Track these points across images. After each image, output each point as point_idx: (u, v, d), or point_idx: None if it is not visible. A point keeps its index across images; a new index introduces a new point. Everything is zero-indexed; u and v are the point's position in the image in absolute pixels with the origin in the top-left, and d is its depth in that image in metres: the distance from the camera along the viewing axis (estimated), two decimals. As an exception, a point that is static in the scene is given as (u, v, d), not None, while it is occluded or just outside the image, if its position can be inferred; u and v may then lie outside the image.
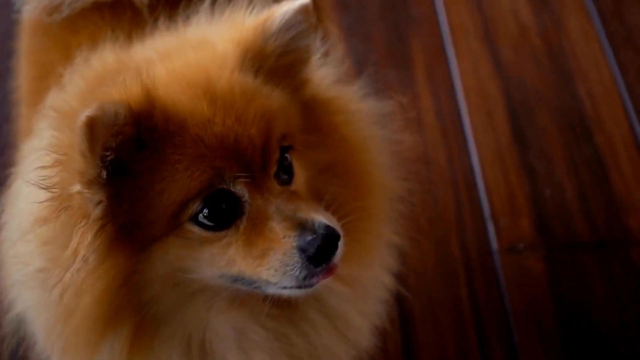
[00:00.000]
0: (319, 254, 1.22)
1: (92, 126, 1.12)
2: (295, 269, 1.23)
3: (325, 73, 1.44)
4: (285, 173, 1.30)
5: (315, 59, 1.41)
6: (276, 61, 1.31)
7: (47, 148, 1.24)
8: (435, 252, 2.33)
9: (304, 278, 1.24)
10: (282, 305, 1.36)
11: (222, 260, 1.24)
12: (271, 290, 1.27)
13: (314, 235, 1.22)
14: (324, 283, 1.27)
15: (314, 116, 1.36)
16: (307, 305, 1.38)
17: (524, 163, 2.51)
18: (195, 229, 1.23)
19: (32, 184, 1.23)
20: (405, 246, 1.54)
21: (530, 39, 2.81)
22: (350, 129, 1.41)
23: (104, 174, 1.17)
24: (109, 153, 1.16)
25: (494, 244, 2.34)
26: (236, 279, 1.27)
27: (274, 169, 1.27)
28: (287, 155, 1.30)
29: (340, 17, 2.78)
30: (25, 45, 1.82)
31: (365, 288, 1.44)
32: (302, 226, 1.23)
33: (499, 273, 2.28)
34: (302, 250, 1.22)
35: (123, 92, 1.19)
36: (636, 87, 2.68)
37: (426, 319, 2.21)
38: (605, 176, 2.48)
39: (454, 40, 2.82)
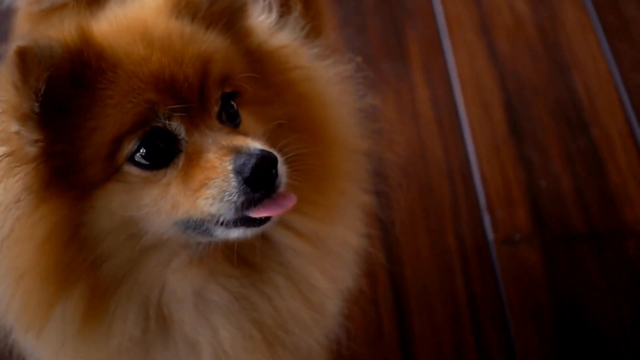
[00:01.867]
0: (255, 175, 1.20)
1: (23, 55, 1.12)
2: (233, 193, 1.21)
3: (273, 26, 1.44)
4: (231, 120, 1.30)
5: (259, 12, 1.43)
6: (209, 8, 1.32)
7: None
8: (431, 243, 2.33)
9: (243, 205, 1.22)
10: (244, 266, 1.35)
11: (165, 203, 1.23)
12: (219, 233, 1.25)
13: (248, 156, 1.21)
14: (274, 220, 1.27)
15: (267, 71, 1.37)
16: (270, 267, 1.37)
17: (520, 154, 2.51)
18: (134, 170, 1.22)
19: None
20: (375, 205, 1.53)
21: (526, 31, 2.82)
22: (306, 85, 1.41)
23: (37, 107, 1.17)
24: (41, 86, 1.15)
25: (490, 235, 2.34)
26: (186, 226, 1.25)
27: (214, 109, 1.28)
28: (232, 102, 1.30)
29: (335, 8, 2.78)
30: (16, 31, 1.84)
31: (330, 248, 1.41)
32: (237, 151, 1.22)
33: (495, 264, 2.29)
34: (237, 172, 1.21)
35: (59, 31, 1.20)
36: (632, 79, 2.68)
37: (422, 309, 2.22)
38: (600, 168, 2.49)
39: (450, 32, 2.82)
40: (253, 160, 1.20)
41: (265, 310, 1.37)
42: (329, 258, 1.42)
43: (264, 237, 1.35)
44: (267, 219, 1.25)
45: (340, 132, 1.43)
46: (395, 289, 2.25)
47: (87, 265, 1.26)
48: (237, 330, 1.36)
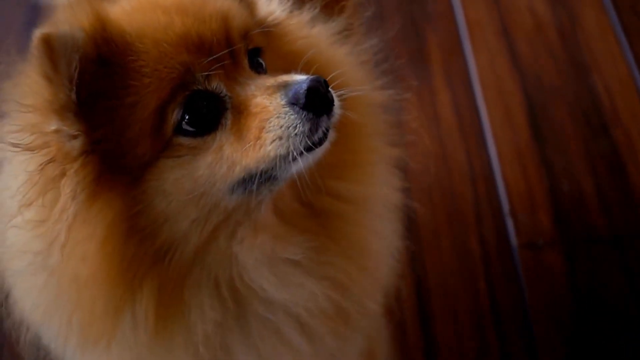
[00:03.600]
0: (312, 98, 1.17)
1: (49, 42, 1.07)
2: (296, 125, 1.17)
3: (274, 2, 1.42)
4: (262, 70, 1.28)
5: None
6: None
7: (13, 106, 1.18)
8: (453, 248, 2.34)
9: (311, 132, 1.18)
10: (300, 230, 1.31)
11: (221, 166, 1.19)
12: (287, 172, 1.20)
13: (298, 84, 1.18)
14: (331, 138, 1.22)
15: (276, 42, 1.35)
16: (322, 234, 1.33)
17: (542, 158, 2.51)
18: (183, 140, 1.18)
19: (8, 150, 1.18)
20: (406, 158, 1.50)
21: (547, 33, 2.81)
22: (313, 51, 1.37)
23: (74, 96, 1.12)
24: (74, 71, 1.10)
25: (513, 240, 2.35)
26: (246, 184, 1.20)
27: (245, 61, 1.25)
28: (259, 59, 1.28)
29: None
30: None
31: (371, 208, 1.39)
32: (285, 84, 1.20)
33: (518, 268, 2.29)
34: (292, 103, 1.17)
35: (72, 17, 1.15)
36: (653, 80, 2.69)
37: (445, 314, 2.22)
38: (622, 170, 2.49)
39: (470, 35, 2.82)
40: (304, 86, 1.17)
41: (340, 265, 1.34)
42: (372, 218, 1.40)
43: (307, 206, 1.32)
44: (324, 138, 1.20)
45: (359, 89, 1.38)
46: (419, 294, 2.26)
47: (149, 259, 1.21)
48: (318, 285, 1.32)
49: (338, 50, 1.44)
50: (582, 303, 2.23)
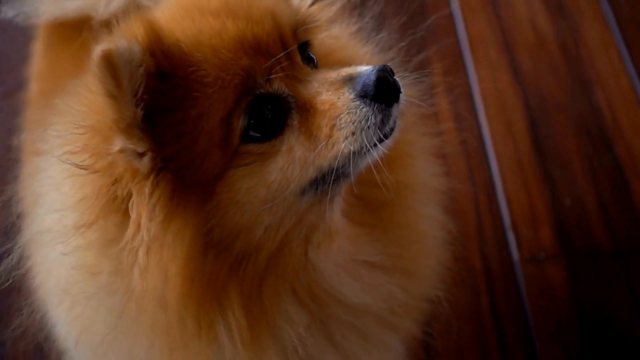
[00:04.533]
0: (381, 88, 1.14)
1: (110, 58, 1.03)
2: (368, 118, 1.15)
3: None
4: (313, 64, 1.25)
5: None
6: None
7: (69, 127, 1.16)
8: (455, 262, 2.33)
9: (382, 123, 1.15)
10: (365, 226, 1.30)
11: (293, 169, 1.16)
12: (359, 166, 1.18)
13: (365, 76, 1.15)
14: (400, 126, 1.19)
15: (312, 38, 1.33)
16: (377, 225, 1.31)
17: (544, 172, 2.51)
18: (251, 147, 1.15)
19: (67, 170, 1.14)
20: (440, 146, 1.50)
21: (549, 48, 2.81)
22: (343, 51, 1.38)
23: (140, 113, 1.08)
24: (138, 87, 1.07)
25: (515, 254, 2.34)
26: (317, 183, 1.18)
27: (299, 57, 1.22)
28: (309, 53, 1.26)
29: (356, 25, 2.78)
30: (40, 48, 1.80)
31: (416, 194, 1.38)
32: (351, 77, 1.17)
33: (520, 283, 2.28)
34: (362, 96, 1.15)
35: (125, 31, 1.12)
36: (655, 95, 2.68)
37: (447, 329, 2.21)
38: (624, 184, 2.48)
39: (472, 49, 2.82)
40: (373, 77, 1.14)
41: (407, 256, 1.34)
42: (418, 203, 1.39)
43: (361, 199, 1.31)
44: (394, 128, 1.18)
45: None
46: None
47: (226, 271, 1.18)
48: (394, 280, 1.31)
49: (360, 48, 1.44)
50: (585, 318, 2.22)
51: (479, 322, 2.22)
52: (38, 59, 1.82)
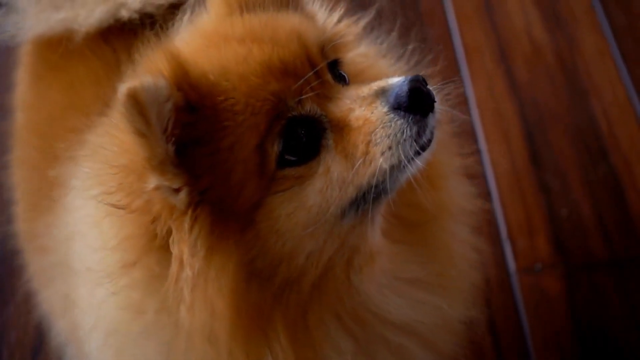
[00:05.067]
0: (415, 98, 1.11)
1: (136, 96, 1.01)
2: (404, 130, 1.12)
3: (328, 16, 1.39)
4: (344, 82, 1.23)
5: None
6: None
7: (101, 167, 1.15)
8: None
9: (419, 134, 1.12)
10: (402, 244, 1.27)
11: (333, 190, 1.13)
12: (398, 182, 1.15)
13: (397, 87, 1.12)
14: (436, 137, 1.16)
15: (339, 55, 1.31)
16: (414, 242, 1.29)
17: (540, 183, 2.51)
18: (287, 172, 1.13)
19: (105, 209, 1.13)
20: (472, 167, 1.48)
21: (545, 58, 2.81)
22: (373, 69, 1.36)
23: (171, 149, 1.06)
24: (167, 123, 1.05)
25: (511, 265, 2.34)
26: (358, 203, 1.15)
27: (329, 75, 1.20)
28: (340, 71, 1.24)
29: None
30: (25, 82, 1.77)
31: (449, 214, 1.37)
32: (383, 90, 1.14)
33: (516, 293, 2.28)
34: (396, 108, 1.12)
35: (150, 66, 1.10)
36: (651, 105, 2.68)
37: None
38: (621, 195, 2.48)
39: (468, 60, 2.82)
40: (405, 88, 1.12)
41: (446, 281, 1.32)
42: (452, 224, 1.38)
43: (398, 218, 1.28)
44: (431, 139, 1.15)
45: None
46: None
47: (270, 300, 1.15)
48: (438, 297, 1.30)
49: (389, 65, 1.43)
50: (582, 327, 2.23)
51: (475, 332, 2.21)
52: (24, 88, 1.78)
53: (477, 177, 1.51)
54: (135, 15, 1.62)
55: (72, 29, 1.62)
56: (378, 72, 1.35)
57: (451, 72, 2.82)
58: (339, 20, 1.38)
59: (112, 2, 1.62)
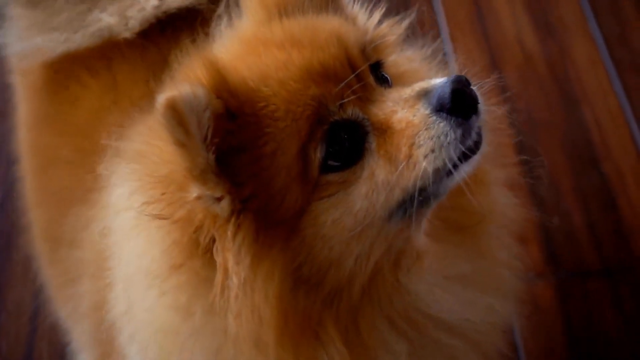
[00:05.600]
0: (458, 100, 1.10)
1: (175, 106, 1.00)
2: (447, 133, 1.10)
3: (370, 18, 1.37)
4: (387, 84, 1.22)
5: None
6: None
7: (142, 177, 1.14)
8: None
9: (463, 137, 1.10)
10: (448, 243, 1.26)
11: (378, 194, 1.12)
12: (446, 185, 1.13)
13: (439, 89, 1.11)
14: (485, 139, 1.15)
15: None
16: (461, 243, 1.28)
17: (531, 191, 2.51)
18: (331, 177, 1.11)
19: (146, 217, 1.12)
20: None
21: (536, 67, 2.82)
22: (418, 74, 1.34)
23: (212, 157, 1.05)
24: (207, 131, 1.04)
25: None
26: (405, 206, 1.13)
27: (371, 78, 1.19)
28: (382, 72, 1.22)
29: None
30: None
31: (494, 219, 1.35)
32: (425, 92, 1.12)
33: (508, 302, 2.28)
34: (438, 110, 1.10)
35: (188, 74, 1.09)
36: (643, 113, 2.69)
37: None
38: (613, 203, 2.48)
39: (460, 70, 2.82)
40: (447, 89, 1.10)
41: (495, 281, 1.31)
42: (496, 229, 1.37)
43: (443, 221, 1.27)
44: (479, 142, 1.14)
45: None
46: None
47: (319, 307, 1.14)
48: (490, 300, 1.29)
49: (427, 68, 1.41)
50: (574, 336, 2.23)
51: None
52: (29, 106, 1.78)
53: (519, 188, 1.50)
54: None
55: (112, 35, 1.63)
56: (421, 76, 1.33)
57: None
58: (381, 22, 1.36)
59: None
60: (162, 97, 1.00)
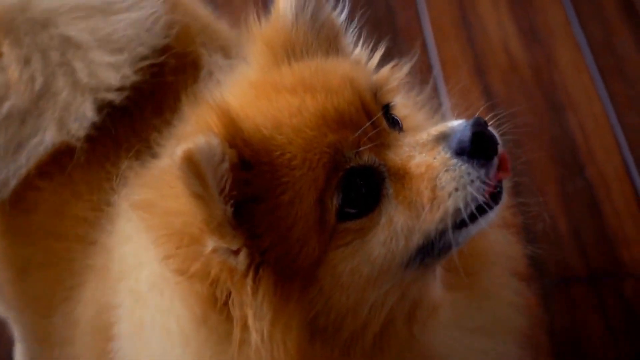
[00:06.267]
0: (478, 143, 1.08)
1: (192, 159, 0.98)
2: (470, 175, 1.08)
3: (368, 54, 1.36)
4: (399, 127, 1.20)
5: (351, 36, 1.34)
6: (313, 37, 1.24)
7: (156, 231, 1.11)
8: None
9: (484, 180, 1.08)
10: (458, 292, 1.24)
11: (397, 240, 1.10)
12: (466, 233, 1.11)
13: (459, 132, 1.09)
14: (506, 185, 1.14)
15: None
16: (466, 287, 1.26)
17: (516, 197, 2.50)
18: (350, 225, 1.09)
19: (164, 274, 1.10)
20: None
21: (521, 72, 2.82)
22: (408, 114, 1.32)
23: (230, 210, 1.03)
24: (224, 183, 1.02)
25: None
26: (423, 253, 1.11)
27: (384, 123, 1.17)
28: (392, 114, 1.21)
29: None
30: None
31: (494, 260, 1.34)
32: (444, 135, 1.11)
33: (492, 309, 2.28)
34: (459, 153, 1.09)
35: (201, 124, 1.07)
36: (627, 118, 2.68)
37: None
38: (597, 209, 2.48)
39: (445, 75, 2.83)
40: (467, 132, 1.09)
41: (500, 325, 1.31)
42: (497, 269, 1.35)
43: (452, 267, 1.24)
44: (501, 188, 1.13)
45: None
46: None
47: (337, 356, 1.12)
48: (502, 348, 1.29)
49: (419, 114, 1.39)
50: (558, 342, 2.22)
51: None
52: None
53: (515, 226, 1.49)
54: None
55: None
56: (418, 122, 1.33)
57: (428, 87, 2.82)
58: (382, 64, 1.35)
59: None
60: (179, 149, 0.98)
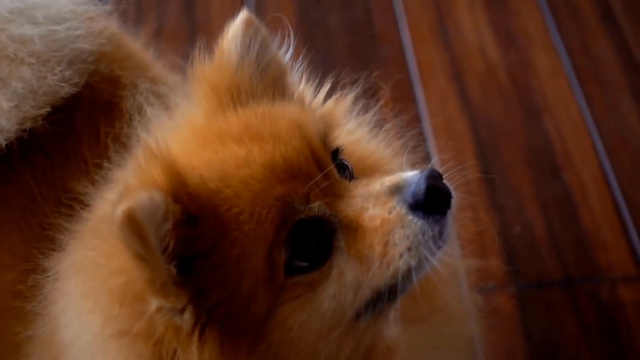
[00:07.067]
0: (433, 197, 1.06)
1: (133, 217, 0.93)
2: (425, 231, 1.06)
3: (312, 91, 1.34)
4: (349, 175, 1.18)
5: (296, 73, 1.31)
6: (258, 81, 1.20)
7: (97, 290, 1.06)
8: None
9: (440, 233, 1.07)
10: (414, 309, 1.23)
11: (347, 294, 1.07)
12: (415, 279, 1.08)
13: (414, 184, 1.06)
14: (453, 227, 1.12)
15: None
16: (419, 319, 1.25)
17: (493, 201, 2.51)
18: (298, 279, 1.06)
19: (107, 332, 1.05)
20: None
21: (498, 77, 2.82)
22: (358, 147, 1.31)
23: (174, 270, 1.00)
24: (168, 241, 0.98)
25: (463, 283, 2.33)
26: (374, 304, 1.10)
27: (334, 171, 1.13)
28: (341, 159, 1.18)
29: (304, 55, 2.77)
30: None
31: (445, 278, 1.31)
32: (398, 187, 1.08)
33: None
34: (414, 207, 1.06)
35: (144, 176, 1.01)
36: (604, 123, 2.68)
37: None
38: (574, 213, 2.48)
39: (421, 78, 2.82)
40: (422, 186, 1.07)
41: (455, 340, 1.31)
42: (447, 286, 1.34)
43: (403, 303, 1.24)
44: (446, 229, 1.10)
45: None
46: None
47: None
48: None
49: (373, 141, 1.37)
50: (535, 346, 2.22)
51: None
52: None
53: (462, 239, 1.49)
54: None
55: None
56: (370, 152, 1.31)
57: (405, 92, 2.82)
58: (327, 98, 1.33)
59: None
60: (119, 208, 0.94)
